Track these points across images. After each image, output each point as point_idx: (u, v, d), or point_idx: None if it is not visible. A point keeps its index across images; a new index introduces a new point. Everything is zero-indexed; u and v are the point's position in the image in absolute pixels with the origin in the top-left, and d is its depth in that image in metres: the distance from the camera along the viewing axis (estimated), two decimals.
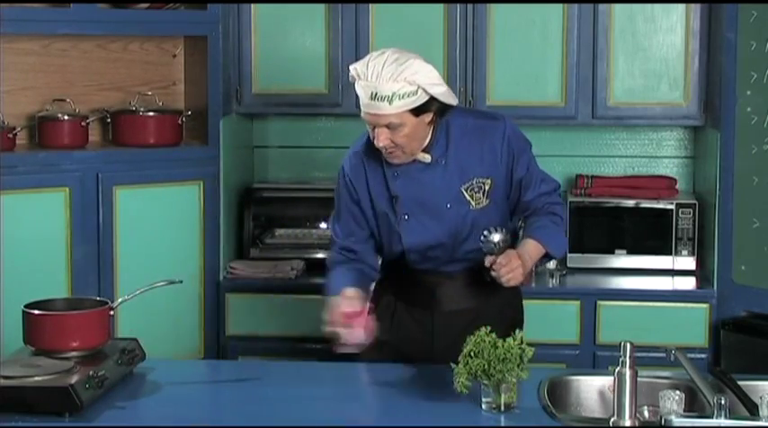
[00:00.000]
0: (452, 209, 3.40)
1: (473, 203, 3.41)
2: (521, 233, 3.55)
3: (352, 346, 3.28)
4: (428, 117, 3.29)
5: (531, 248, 3.39)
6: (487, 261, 3.29)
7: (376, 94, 3.20)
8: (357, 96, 3.27)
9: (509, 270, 3.27)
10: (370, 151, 3.41)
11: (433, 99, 3.25)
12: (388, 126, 3.24)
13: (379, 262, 3.61)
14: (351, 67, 3.28)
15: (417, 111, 3.24)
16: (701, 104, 4.77)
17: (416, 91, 3.21)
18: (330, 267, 3.54)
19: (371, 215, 3.49)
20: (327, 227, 4.95)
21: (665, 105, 4.79)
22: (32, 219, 4.30)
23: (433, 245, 3.43)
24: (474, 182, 3.40)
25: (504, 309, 3.52)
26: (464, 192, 3.40)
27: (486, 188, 3.41)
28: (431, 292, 3.50)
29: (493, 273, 3.28)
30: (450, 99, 3.31)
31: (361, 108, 3.28)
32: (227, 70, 4.77)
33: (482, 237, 3.28)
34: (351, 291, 3.33)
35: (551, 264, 4.81)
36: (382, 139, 3.26)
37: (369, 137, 3.39)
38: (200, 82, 4.71)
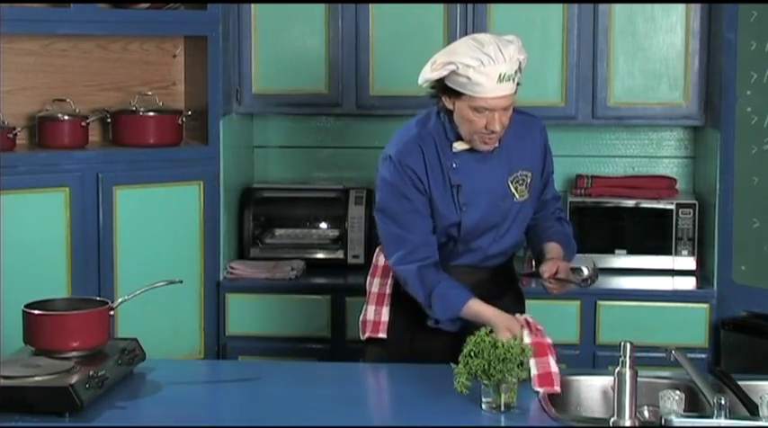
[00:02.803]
0: (504, 200, 3.42)
1: (517, 195, 3.43)
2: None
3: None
4: None
5: (559, 252, 3.48)
6: (546, 272, 3.37)
7: (504, 75, 3.20)
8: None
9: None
10: (425, 140, 3.37)
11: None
12: (505, 107, 3.26)
13: None
14: (465, 61, 3.19)
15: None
16: (701, 104, 4.76)
17: (519, 66, 3.26)
18: (419, 283, 3.36)
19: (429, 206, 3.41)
20: (329, 227, 4.97)
21: (665, 105, 4.79)
22: (32, 219, 4.30)
23: (486, 229, 3.42)
24: (519, 175, 3.42)
25: (514, 309, 3.52)
26: (510, 184, 3.42)
27: (528, 181, 3.44)
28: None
29: (548, 284, 3.38)
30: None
31: (482, 96, 3.21)
32: (227, 70, 4.77)
33: (578, 271, 3.41)
34: (477, 301, 3.30)
35: None
36: (503, 121, 3.26)
37: (417, 127, 3.37)
38: (201, 82, 4.71)
